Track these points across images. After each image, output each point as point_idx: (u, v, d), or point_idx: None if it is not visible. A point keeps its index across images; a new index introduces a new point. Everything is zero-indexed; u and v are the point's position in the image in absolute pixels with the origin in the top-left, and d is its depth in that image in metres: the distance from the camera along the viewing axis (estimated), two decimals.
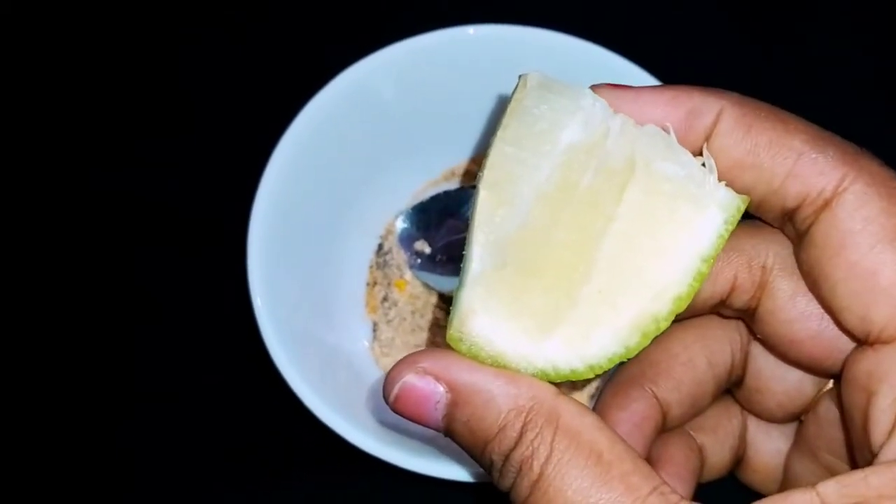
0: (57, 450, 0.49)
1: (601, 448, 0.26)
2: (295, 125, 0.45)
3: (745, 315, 0.33)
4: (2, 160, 0.55)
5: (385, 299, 0.50)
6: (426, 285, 0.50)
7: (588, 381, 0.45)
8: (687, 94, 0.28)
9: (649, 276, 0.27)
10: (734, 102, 0.28)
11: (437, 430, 0.28)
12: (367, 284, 0.50)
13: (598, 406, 0.35)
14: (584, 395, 0.46)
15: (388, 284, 0.50)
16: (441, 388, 0.27)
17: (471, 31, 0.46)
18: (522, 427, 0.26)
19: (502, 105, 0.48)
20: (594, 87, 0.29)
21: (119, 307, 0.52)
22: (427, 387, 0.27)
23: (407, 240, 0.50)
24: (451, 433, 0.28)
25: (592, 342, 0.27)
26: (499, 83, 0.45)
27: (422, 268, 0.50)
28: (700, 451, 0.36)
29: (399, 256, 0.50)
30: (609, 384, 0.35)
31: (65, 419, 0.50)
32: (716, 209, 0.27)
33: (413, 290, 0.50)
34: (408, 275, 0.50)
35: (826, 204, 0.27)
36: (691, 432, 0.36)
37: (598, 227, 0.27)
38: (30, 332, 0.52)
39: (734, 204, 0.27)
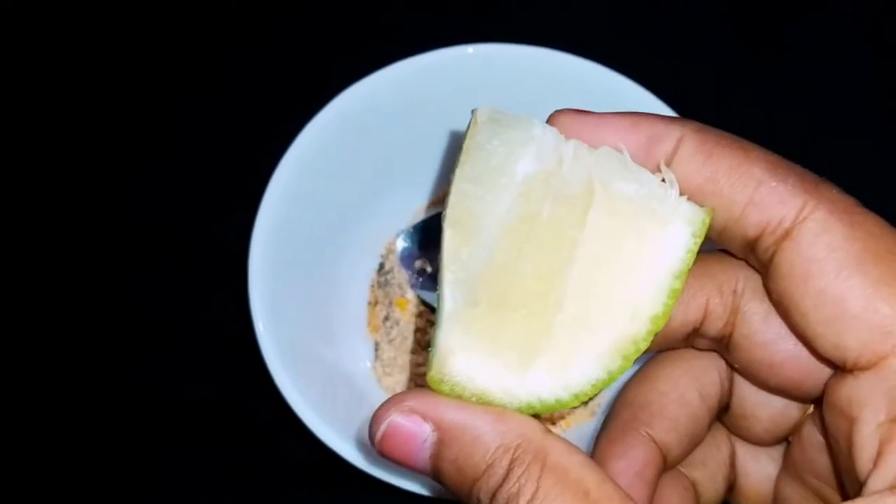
0: (57, 463, 0.49)
1: (588, 486, 0.26)
2: (295, 146, 0.45)
3: (720, 346, 0.32)
4: (4, 178, 0.56)
5: (387, 318, 0.50)
6: (428, 304, 0.50)
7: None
8: (648, 121, 0.28)
9: (622, 297, 0.27)
10: (695, 130, 0.28)
11: (423, 471, 0.28)
12: (369, 304, 0.50)
13: (595, 455, 0.33)
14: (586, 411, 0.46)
15: (390, 304, 0.50)
16: (428, 427, 0.27)
17: (470, 50, 0.47)
18: (510, 464, 0.26)
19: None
20: (557, 113, 0.29)
21: (121, 328, 0.52)
22: (414, 426, 0.27)
23: (408, 259, 0.50)
24: (439, 473, 0.28)
25: (574, 369, 0.27)
26: (499, 102, 0.44)
27: (423, 287, 0.50)
28: (694, 488, 0.35)
29: (400, 275, 0.50)
30: (603, 431, 0.34)
31: (66, 431, 0.50)
32: (681, 223, 0.27)
33: (414, 310, 0.50)
34: (409, 294, 0.50)
35: (787, 233, 0.27)
36: (682, 469, 0.35)
37: (565, 254, 0.27)
38: (31, 353, 0.52)
39: (699, 217, 0.27)
